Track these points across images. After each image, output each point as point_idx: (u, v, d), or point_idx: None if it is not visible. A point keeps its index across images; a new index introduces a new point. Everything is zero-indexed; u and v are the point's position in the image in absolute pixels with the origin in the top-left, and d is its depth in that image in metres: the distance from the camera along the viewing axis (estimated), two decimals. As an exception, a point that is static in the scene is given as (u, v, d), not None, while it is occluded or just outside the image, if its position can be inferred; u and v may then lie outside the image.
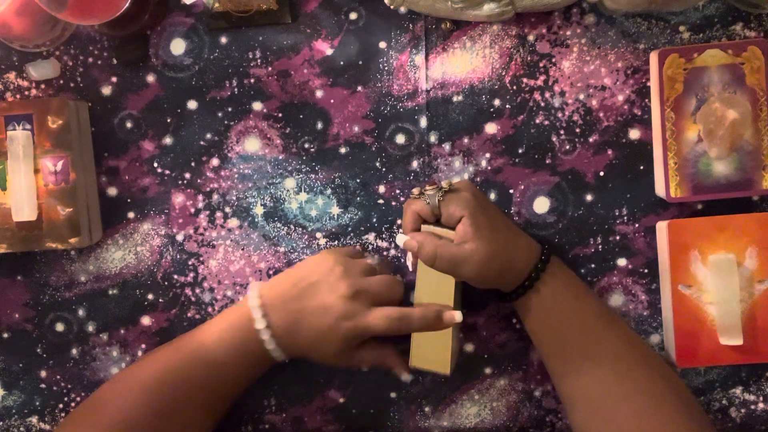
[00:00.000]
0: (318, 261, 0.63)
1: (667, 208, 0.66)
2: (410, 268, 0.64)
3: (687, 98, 0.62)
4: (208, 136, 0.69)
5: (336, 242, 0.69)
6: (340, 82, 0.68)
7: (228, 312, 0.64)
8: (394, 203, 0.69)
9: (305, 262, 0.64)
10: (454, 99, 0.67)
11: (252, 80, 0.69)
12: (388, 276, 0.63)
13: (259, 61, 0.68)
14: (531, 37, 0.66)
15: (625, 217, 0.66)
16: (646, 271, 0.67)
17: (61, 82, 0.70)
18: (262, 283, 0.64)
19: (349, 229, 0.69)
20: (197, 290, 0.70)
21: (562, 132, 0.66)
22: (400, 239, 0.60)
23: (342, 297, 0.60)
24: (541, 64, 0.66)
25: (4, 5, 0.62)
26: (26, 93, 0.71)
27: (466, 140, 0.67)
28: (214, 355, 0.61)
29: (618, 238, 0.67)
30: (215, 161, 0.70)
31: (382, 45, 0.67)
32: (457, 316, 0.60)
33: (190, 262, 0.71)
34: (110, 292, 0.71)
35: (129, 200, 0.71)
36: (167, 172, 0.70)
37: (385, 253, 0.69)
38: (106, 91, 0.70)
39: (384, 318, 0.59)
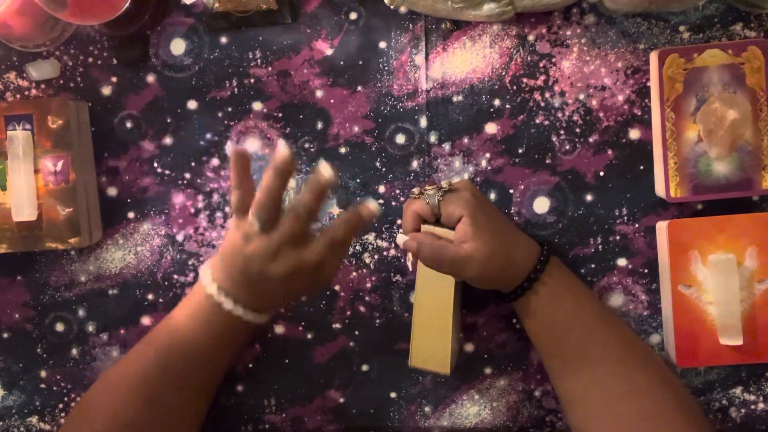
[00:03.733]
0: (232, 234, 0.61)
1: (667, 208, 0.66)
2: (410, 268, 0.64)
3: (687, 98, 0.62)
4: (208, 136, 0.70)
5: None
6: (340, 82, 0.68)
7: (190, 299, 0.63)
8: (394, 203, 0.69)
9: (227, 239, 0.62)
10: (454, 99, 0.67)
11: (252, 80, 0.69)
12: (291, 210, 0.60)
13: (259, 61, 0.68)
14: (531, 37, 0.66)
15: (625, 217, 0.66)
16: (646, 271, 0.67)
17: (61, 82, 0.70)
18: (209, 268, 0.62)
19: (349, 229, 0.69)
20: (197, 290, 0.70)
21: (562, 132, 0.66)
22: (400, 239, 0.60)
23: (271, 248, 0.58)
24: (541, 64, 0.66)
25: (4, 5, 0.62)
26: (26, 93, 0.71)
27: (466, 140, 0.67)
28: (192, 340, 0.61)
29: (618, 238, 0.67)
30: (215, 161, 0.70)
31: (382, 45, 0.67)
32: (372, 205, 0.58)
33: (190, 262, 0.71)
34: (110, 292, 0.71)
35: (129, 200, 0.71)
36: (167, 172, 0.70)
37: (385, 253, 0.69)
38: (106, 91, 0.70)
39: (320, 247, 0.58)
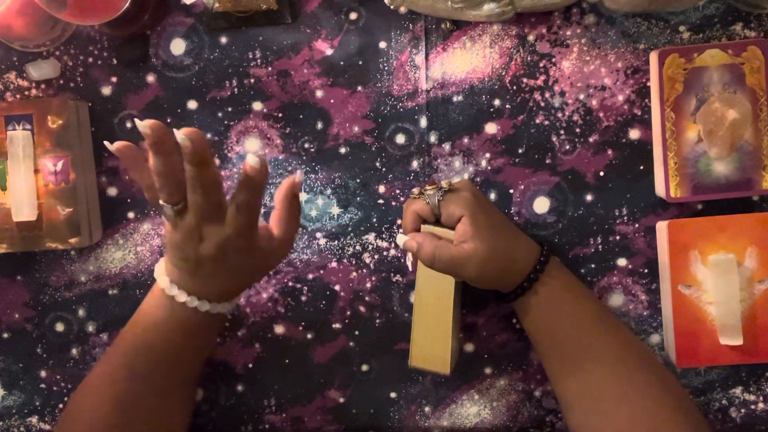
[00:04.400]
0: (165, 227, 0.59)
1: (667, 208, 0.66)
2: (410, 268, 0.64)
3: (687, 98, 0.62)
4: (208, 136, 0.69)
5: (336, 242, 0.69)
6: (340, 82, 0.68)
7: (148, 300, 0.62)
8: (394, 203, 0.69)
9: (165, 232, 0.61)
10: (454, 99, 0.67)
11: (252, 80, 0.69)
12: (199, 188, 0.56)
13: (259, 61, 0.68)
14: (531, 37, 0.66)
15: (625, 217, 0.66)
16: (646, 271, 0.67)
17: (61, 82, 0.70)
18: (162, 265, 0.61)
19: (349, 229, 0.69)
20: (197, 290, 0.70)
21: (562, 132, 0.66)
22: (400, 239, 0.60)
23: (191, 229, 0.56)
24: (541, 64, 0.66)
25: (4, 5, 0.62)
26: (26, 93, 0.71)
27: (466, 140, 0.67)
28: (157, 338, 0.60)
29: (618, 238, 0.67)
30: (215, 161, 0.70)
31: (382, 45, 0.67)
32: (251, 160, 0.54)
33: (190, 262, 0.71)
34: (110, 292, 0.71)
35: (129, 200, 0.71)
36: (167, 172, 0.70)
37: (385, 253, 0.69)
38: (106, 91, 0.70)
39: (231, 217, 0.56)
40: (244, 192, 0.55)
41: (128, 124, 0.70)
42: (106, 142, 0.56)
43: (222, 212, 0.56)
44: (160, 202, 0.56)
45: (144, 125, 0.52)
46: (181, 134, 0.52)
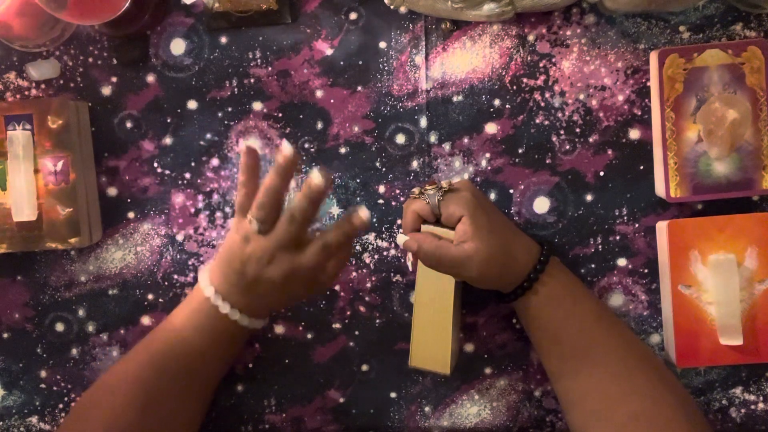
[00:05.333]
0: (231, 235, 0.61)
1: (667, 208, 0.66)
2: (410, 268, 0.64)
3: (687, 98, 0.62)
4: (208, 136, 0.70)
5: (336, 242, 0.69)
6: (340, 82, 0.68)
7: (188, 301, 0.63)
8: (394, 203, 0.69)
9: (226, 240, 0.62)
10: (454, 99, 0.67)
11: (252, 80, 0.69)
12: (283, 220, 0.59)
13: (259, 61, 0.68)
14: (531, 37, 0.66)
15: (625, 217, 0.66)
16: (646, 271, 0.67)
17: (61, 82, 0.70)
18: (208, 271, 0.62)
19: (349, 229, 0.69)
20: (197, 290, 0.70)
21: (562, 132, 0.66)
22: (400, 239, 0.60)
23: (268, 251, 0.58)
24: (541, 64, 0.66)
25: (4, 5, 0.62)
26: (26, 93, 0.71)
27: (466, 140, 0.67)
28: (188, 343, 0.61)
29: (618, 238, 0.67)
30: (215, 161, 0.70)
31: (382, 45, 0.67)
32: (363, 213, 0.58)
33: (190, 262, 0.71)
34: (110, 292, 0.71)
35: (129, 200, 0.71)
36: (167, 172, 0.70)
37: (385, 253, 0.69)
38: (106, 91, 0.70)
39: (314, 253, 0.58)
40: (336, 234, 0.58)
41: (128, 124, 0.70)
42: (243, 142, 0.58)
43: (302, 243, 0.59)
44: (249, 215, 0.58)
45: (289, 150, 0.57)
46: (319, 173, 0.57)
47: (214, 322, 0.61)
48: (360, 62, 0.68)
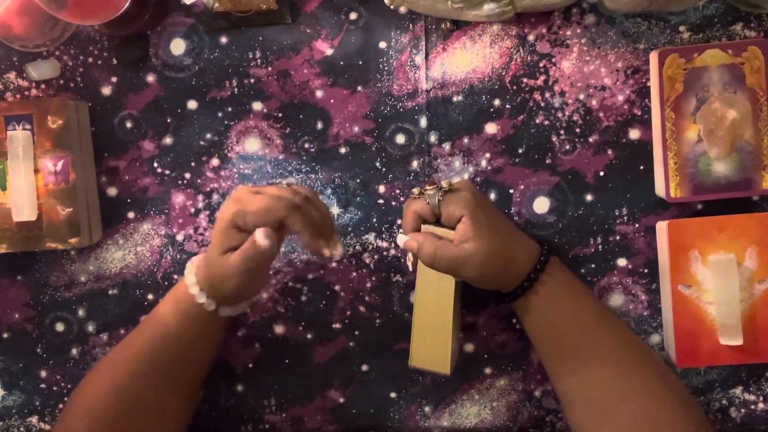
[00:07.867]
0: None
1: (667, 208, 0.66)
2: (410, 268, 0.64)
3: (687, 98, 0.62)
4: (208, 136, 0.70)
5: (336, 242, 0.69)
6: (340, 82, 0.68)
7: (175, 290, 0.63)
8: (394, 203, 0.69)
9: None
10: (454, 99, 0.67)
11: (252, 80, 0.69)
12: (267, 196, 0.59)
13: (259, 61, 0.68)
14: (531, 37, 0.66)
15: (625, 217, 0.66)
16: (646, 271, 0.67)
17: (61, 82, 0.70)
18: (198, 256, 0.63)
19: (349, 229, 0.69)
20: (197, 290, 0.70)
21: (562, 132, 0.66)
22: (400, 239, 0.60)
23: (225, 236, 0.58)
24: (541, 64, 0.66)
25: (4, 5, 0.62)
26: (26, 93, 0.71)
27: (466, 140, 0.67)
28: (175, 332, 0.62)
29: (618, 238, 0.67)
30: (215, 161, 0.70)
31: (382, 45, 0.67)
32: (339, 253, 0.60)
33: (190, 262, 0.71)
34: (110, 292, 0.71)
35: (129, 200, 0.71)
36: (167, 172, 0.70)
37: (385, 253, 0.69)
38: (106, 91, 0.70)
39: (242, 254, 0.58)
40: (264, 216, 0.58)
41: (128, 124, 0.70)
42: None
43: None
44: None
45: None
46: (338, 246, 0.60)
47: (198, 315, 0.61)
48: (360, 62, 0.68)
